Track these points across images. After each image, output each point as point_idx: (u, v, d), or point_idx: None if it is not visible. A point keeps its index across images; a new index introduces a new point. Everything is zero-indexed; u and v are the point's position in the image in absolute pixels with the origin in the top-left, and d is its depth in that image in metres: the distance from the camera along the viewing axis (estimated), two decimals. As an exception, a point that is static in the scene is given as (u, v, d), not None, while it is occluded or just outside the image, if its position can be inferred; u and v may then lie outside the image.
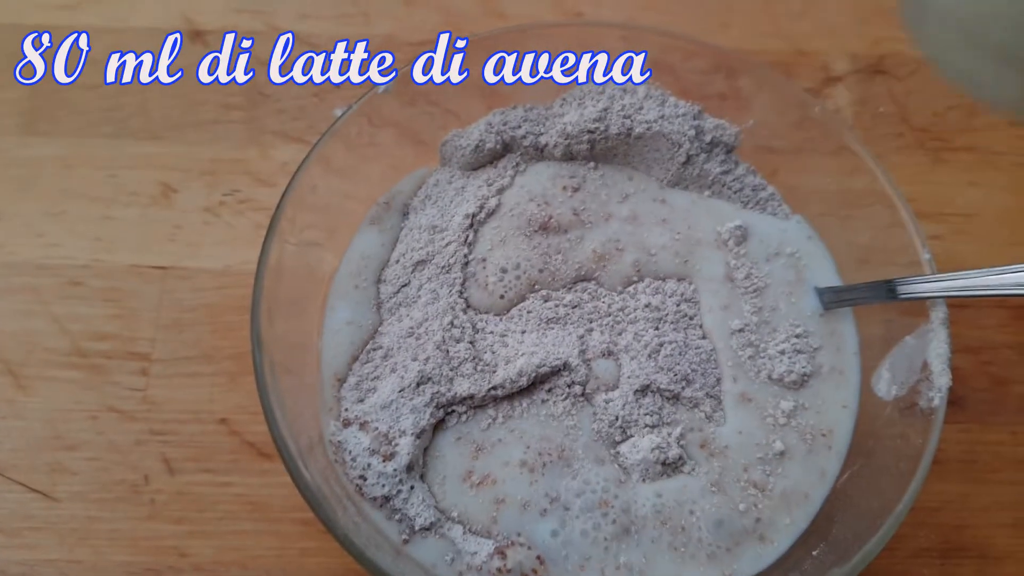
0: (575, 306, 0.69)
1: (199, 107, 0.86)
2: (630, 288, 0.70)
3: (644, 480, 0.63)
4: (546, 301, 0.69)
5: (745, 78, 0.76)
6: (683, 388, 0.66)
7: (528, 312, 0.68)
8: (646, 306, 0.68)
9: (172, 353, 0.75)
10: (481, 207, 0.72)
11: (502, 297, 0.69)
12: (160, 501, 0.70)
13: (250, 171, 0.83)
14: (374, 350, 0.67)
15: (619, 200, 0.73)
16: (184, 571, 0.68)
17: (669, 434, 0.64)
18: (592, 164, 0.74)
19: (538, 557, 0.60)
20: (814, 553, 0.60)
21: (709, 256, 0.71)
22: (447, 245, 0.70)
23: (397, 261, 0.71)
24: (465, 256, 0.70)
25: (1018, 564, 0.70)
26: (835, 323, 0.69)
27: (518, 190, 0.73)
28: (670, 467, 0.63)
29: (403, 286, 0.70)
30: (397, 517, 0.61)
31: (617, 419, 0.64)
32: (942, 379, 0.61)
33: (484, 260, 0.70)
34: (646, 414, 0.65)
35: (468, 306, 0.69)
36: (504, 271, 0.69)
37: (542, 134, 0.74)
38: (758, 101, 0.76)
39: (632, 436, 0.64)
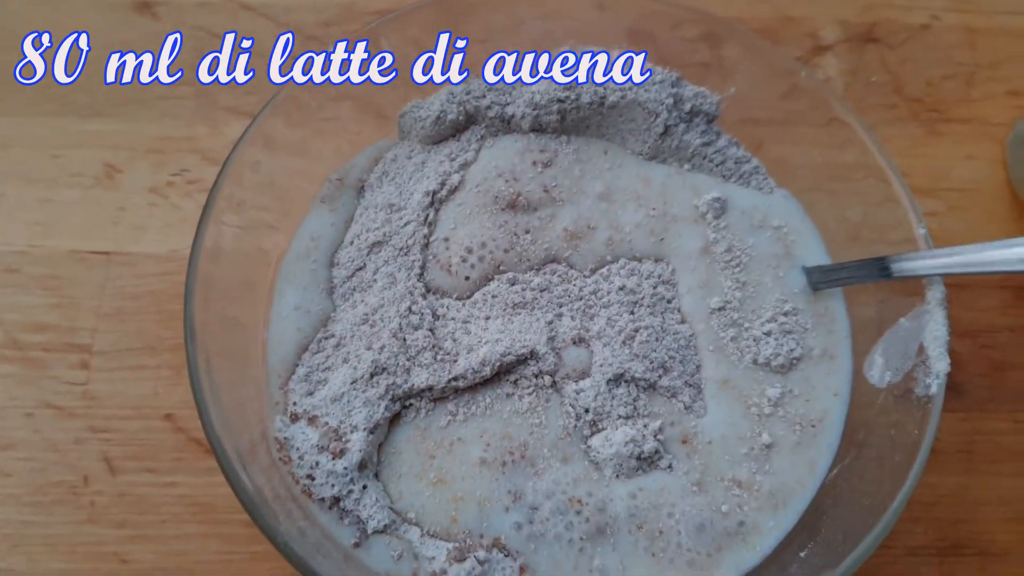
0: (544, 289, 0.64)
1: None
2: (603, 270, 0.65)
3: (618, 476, 0.58)
4: (512, 284, 0.64)
5: (729, 45, 0.71)
6: (660, 377, 0.61)
7: (493, 296, 0.63)
8: (620, 288, 0.63)
9: (114, 344, 0.70)
10: (443, 184, 0.67)
11: (467, 279, 0.64)
12: (100, 503, 0.65)
13: (199, 149, 0.77)
14: (325, 339, 0.62)
15: (593, 176, 0.68)
16: (125, 579, 0.63)
17: (645, 426, 0.59)
18: (564, 137, 0.69)
19: (521, 567, 0.55)
20: (801, 554, 0.55)
21: (686, 231, 0.67)
22: (405, 225, 0.65)
23: (351, 243, 0.66)
24: (425, 237, 0.65)
25: (1022, 562, 0.66)
26: (825, 302, 0.64)
27: (484, 165, 0.68)
28: (645, 462, 0.58)
29: (358, 270, 0.65)
30: (348, 520, 0.56)
31: (588, 411, 0.59)
32: (940, 364, 0.56)
33: (447, 240, 0.65)
34: (620, 405, 0.60)
35: (428, 290, 0.64)
36: (469, 251, 0.64)
37: (508, 104, 0.68)
38: (743, 70, 0.71)
39: (604, 429, 0.59)
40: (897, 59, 0.84)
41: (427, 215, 0.65)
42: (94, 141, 0.78)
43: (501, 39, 0.71)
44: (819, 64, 0.83)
